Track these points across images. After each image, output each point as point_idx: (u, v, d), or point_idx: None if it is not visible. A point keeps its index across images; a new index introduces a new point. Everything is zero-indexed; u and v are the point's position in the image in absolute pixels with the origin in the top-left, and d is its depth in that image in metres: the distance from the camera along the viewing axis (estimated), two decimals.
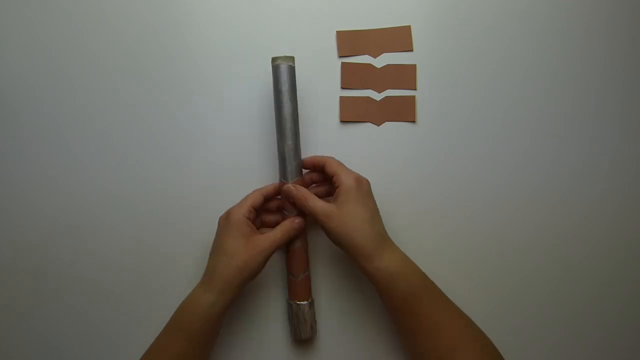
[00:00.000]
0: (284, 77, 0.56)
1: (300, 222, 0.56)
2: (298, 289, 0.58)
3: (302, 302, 0.58)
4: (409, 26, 0.64)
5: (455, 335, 0.51)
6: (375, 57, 0.64)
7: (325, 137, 0.63)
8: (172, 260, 0.62)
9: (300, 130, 0.58)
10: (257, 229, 0.57)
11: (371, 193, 0.55)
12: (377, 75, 0.63)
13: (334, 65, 0.64)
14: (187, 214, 0.62)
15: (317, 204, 0.53)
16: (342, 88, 0.64)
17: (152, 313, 0.60)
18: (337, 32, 0.64)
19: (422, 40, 0.64)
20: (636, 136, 0.64)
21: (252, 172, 0.62)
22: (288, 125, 0.57)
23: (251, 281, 0.54)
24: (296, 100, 0.57)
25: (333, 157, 0.57)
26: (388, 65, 0.63)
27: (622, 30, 0.65)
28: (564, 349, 0.62)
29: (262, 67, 0.63)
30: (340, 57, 0.64)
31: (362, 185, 0.54)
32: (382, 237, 0.53)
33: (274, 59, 0.57)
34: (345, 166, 0.56)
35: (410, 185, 0.63)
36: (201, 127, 0.63)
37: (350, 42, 0.64)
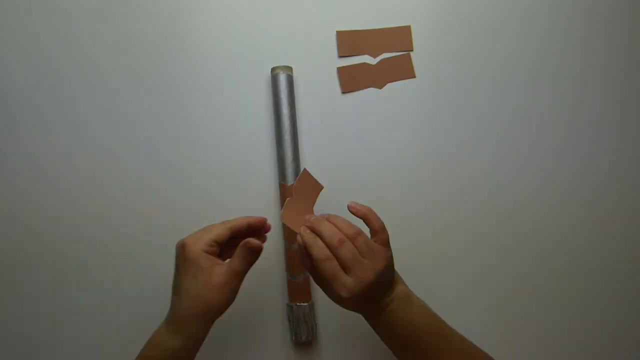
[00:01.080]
0: (282, 85, 0.59)
1: (257, 243, 0.49)
2: (298, 290, 0.58)
3: (302, 304, 0.58)
4: (409, 26, 0.64)
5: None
6: (375, 57, 0.64)
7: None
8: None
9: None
10: (224, 258, 0.52)
11: None
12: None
13: (334, 65, 0.64)
14: (186, 215, 0.62)
15: (340, 276, 0.46)
16: (342, 93, 0.64)
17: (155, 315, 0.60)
18: (337, 32, 0.64)
19: (422, 40, 0.64)
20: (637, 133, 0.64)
21: (253, 172, 0.62)
22: (286, 131, 0.59)
23: (221, 315, 0.50)
24: (294, 107, 0.60)
25: (372, 212, 0.50)
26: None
27: (622, 30, 0.65)
28: (564, 348, 0.62)
29: (263, 67, 0.63)
30: (340, 57, 0.64)
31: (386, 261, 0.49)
32: (390, 288, 0.49)
33: (273, 69, 0.60)
34: (383, 226, 0.50)
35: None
36: (201, 127, 0.63)
37: (350, 42, 0.64)
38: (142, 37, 0.63)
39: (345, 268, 0.46)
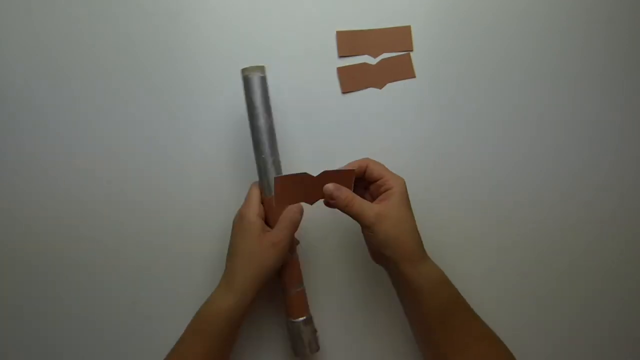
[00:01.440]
0: (255, 88, 0.54)
1: (299, 208, 0.55)
2: (292, 305, 0.56)
3: (296, 320, 0.56)
4: (409, 26, 0.64)
5: (483, 349, 0.51)
6: (375, 57, 0.64)
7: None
8: (176, 260, 0.62)
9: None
10: None
11: None
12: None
13: (334, 65, 0.64)
14: (186, 215, 0.62)
15: (366, 205, 0.51)
16: (342, 93, 0.64)
17: (166, 314, 0.60)
18: (337, 32, 0.64)
19: (422, 40, 0.64)
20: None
21: (253, 173, 0.63)
22: (263, 138, 0.55)
23: (271, 275, 0.54)
24: (270, 111, 0.55)
25: (371, 159, 0.55)
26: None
27: (622, 30, 0.65)
28: (564, 348, 0.62)
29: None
30: (340, 57, 0.64)
31: (407, 191, 0.53)
32: (422, 245, 0.53)
33: (243, 70, 0.54)
34: (386, 167, 0.54)
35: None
36: (201, 127, 0.63)
37: (350, 42, 0.64)
38: (142, 37, 0.63)
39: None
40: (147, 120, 0.63)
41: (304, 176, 0.52)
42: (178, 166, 0.63)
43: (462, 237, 0.63)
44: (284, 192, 0.52)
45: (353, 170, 0.53)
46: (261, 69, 0.55)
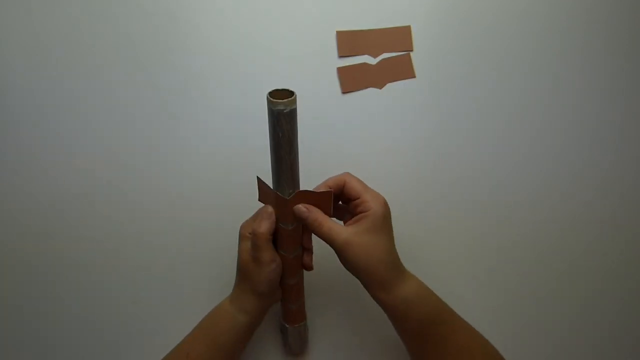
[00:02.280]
0: (283, 123, 0.47)
1: (267, 210, 0.52)
2: (289, 314, 0.57)
3: (293, 326, 0.57)
4: (409, 26, 0.64)
5: (474, 357, 0.50)
6: (375, 57, 0.64)
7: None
8: (176, 260, 0.62)
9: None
10: None
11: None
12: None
13: (334, 65, 0.64)
14: (187, 215, 0.62)
15: (334, 230, 0.49)
16: (342, 93, 0.64)
17: (167, 313, 0.60)
18: (337, 32, 0.64)
19: (422, 40, 0.64)
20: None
21: (253, 173, 0.62)
22: (286, 175, 0.50)
23: (274, 293, 0.54)
24: (297, 147, 0.49)
25: (351, 175, 0.52)
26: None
27: (622, 30, 0.64)
28: (564, 348, 0.62)
29: (264, 67, 0.63)
30: (340, 57, 0.64)
31: (388, 210, 0.50)
32: (398, 265, 0.51)
33: (272, 102, 0.46)
34: (367, 186, 0.52)
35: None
36: (202, 127, 0.63)
37: (350, 42, 0.64)
38: (142, 37, 0.63)
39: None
40: (147, 121, 0.63)
41: (277, 196, 0.50)
42: (178, 166, 0.63)
43: (462, 237, 0.63)
44: (263, 195, 0.52)
45: (330, 191, 0.50)
46: (293, 101, 0.46)
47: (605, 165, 0.64)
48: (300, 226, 0.53)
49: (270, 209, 0.51)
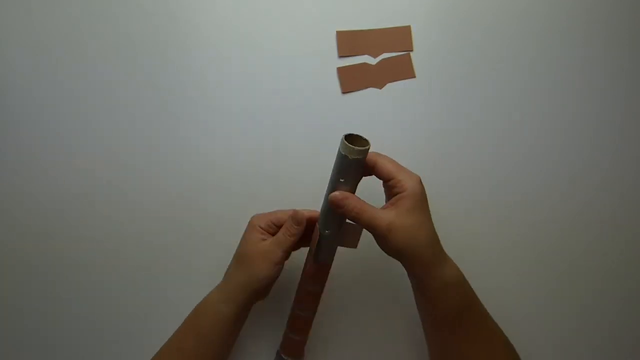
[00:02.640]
0: (350, 171, 0.48)
1: (300, 214, 0.52)
2: (290, 346, 0.56)
3: (288, 358, 0.56)
4: (409, 26, 0.64)
5: (492, 350, 0.50)
6: (375, 57, 0.64)
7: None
8: (179, 261, 0.62)
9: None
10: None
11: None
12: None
13: (334, 65, 0.64)
14: (188, 213, 0.62)
15: (377, 215, 0.48)
16: (342, 93, 0.64)
17: (159, 310, 0.60)
18: (337, 32, 0.64)
19: (422, 40, 0.64)
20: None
21: (253, 173, 0.63)
22: (335, 217, 0.50)
23: (264, 291, 0.53)
24: (355, 191, 0.50)
25: (379, 154, 0.50)
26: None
27: (623, 31, 0.64)
28: (566, 346, 0.62)
29: (264, 67, 0.63)
30: (340, 57, 0.64)
31: (424, 189, 0.49)
32: (440, 246, 0.50)
33: (348, 148, 0.46)
34: (400, 165, 0.50)
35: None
36: (201, 127, 0.63)
37: (350, 42, 0.64)
38: (142, 37, 0.63)
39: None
40: (147, 121, 0.63)
41: (316, 229, 0.51)
42: (178, 166, 0.63)
43: (462, 237, 0.63)
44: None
45: (358, 226, 0.49)
46: (365, 151, 0.47)
47: (605, 165, 0.64)
48: (329, 265, 0.53)
49: (302, 214, 0.52)
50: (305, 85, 0.63)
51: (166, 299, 0.62)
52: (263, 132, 0.63)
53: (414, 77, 0.63)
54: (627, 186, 0.63)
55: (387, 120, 0.64)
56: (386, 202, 0.52)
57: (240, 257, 0.53)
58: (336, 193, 0.49)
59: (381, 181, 0.51)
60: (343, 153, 0.47)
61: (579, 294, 0.62)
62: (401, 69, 0.63)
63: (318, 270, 0.53)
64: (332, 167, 0.52)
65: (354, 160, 0.47)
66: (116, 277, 0.62)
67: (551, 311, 0.62)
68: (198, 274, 0.62)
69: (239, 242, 0.54)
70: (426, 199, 0.50)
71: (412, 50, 0.64)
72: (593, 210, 0.63)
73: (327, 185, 0.51)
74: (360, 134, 0.48)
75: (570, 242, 0.63)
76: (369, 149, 0.47)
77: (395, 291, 0.62)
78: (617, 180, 0.63)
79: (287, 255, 0.53)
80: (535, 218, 0.63)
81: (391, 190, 0.50)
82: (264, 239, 0.53)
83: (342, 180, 0.48)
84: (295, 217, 0.52)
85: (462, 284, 0.50)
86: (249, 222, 0.54)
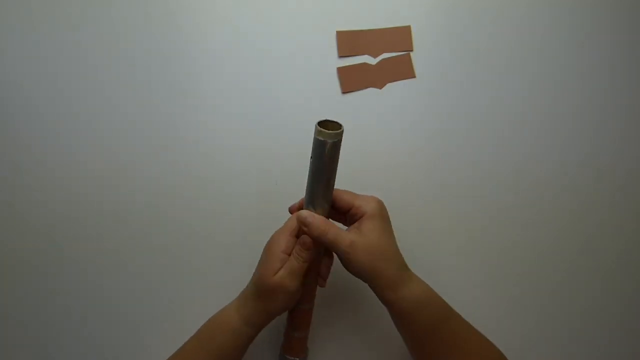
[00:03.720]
0: (327, 152, 0.49)
1: (308, 240, 0.51)
2: (291, 344, 0.56)
3: (290, 357, 0.56)
4: (409, 26, 0.64)
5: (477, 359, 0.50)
6: (375, 57, 0.64)
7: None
8: (181, 261, 0.62)
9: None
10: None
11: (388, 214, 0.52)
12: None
13: (334, 65, 0.64)
14: (189, 213, 0.62)
15: (340, 234, 0.49)
16: (342, 93, 0.64)
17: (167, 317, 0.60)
18: (337, 32, 0.64)
19: (422, 40, 0.64)
20: None
21: (251, 172, 0.63)
22: (320, 195, 0.51)
23: (278, 311, 0.53)
24: (334, 180, 0.51)
25: (340, 189, 0.53)
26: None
27: (625, 30, 0.64)
28: (567, 346, 0.62)
29: (264, 67, 0.63)
30: (340, 57, 0.64)
31: (384, 209, 0.51)
32: (404, 265, 0.51)
33: (320, 132, 0.48)
34: (355, 193, 0.52)
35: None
36: (202, 127, 0.63)
37: (350, 42, 0.64)
38: (142, 37, 0.63)
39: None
40: (147, 120, 0.63)
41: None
42: (178, 166, 0.63)
43: (461, 237, 0.63)
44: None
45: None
46: (340, 133, 0.49)
47: (605, 165, 0.64)
48: (319, 250, 0.53)
49: (309, 239, 0.51)
50: (305, 85, 0.63)
51: (166, 298, 0.62)
52: (263, 132, 0.63)
53: (414, 77, 0.63)
54: (628, 185, 0.63)
55: (387, 120, 0.63)
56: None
57: (259, 287, 0.51)
58: (303, 212, 0.51)
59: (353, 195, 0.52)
60: (319, 138, 0.48)
61: (581, 294, 0.62)
62: (401, 69, 0.63)
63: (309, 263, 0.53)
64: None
65: (331, 144, 0.48)
66: (116, 276, 0.62)
67: (552, 311, 0.62)
68: (197, 273, 0.62)
69: (250, 249, 0.54)
70: (387, 218, 0.51)
71: (412, 50, 0.64)
72: (593, 208, 0.63)
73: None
74: (334, 119, 0.49)
75: (571, 241, 0.63)
76: (342, 131, 0.48)
77: None
78: (618, 180, 0.63)
79: (303, 280, 0.52)
80: (536, 218, 0.63)
81: (353, 218, 0.52)
82: (281, 267, 0.51)
83: (321, 165, 0.49)
84: (303, 243, 0.51)
85: (431, 299, 0.50)
86: (269, 246, 0.52)
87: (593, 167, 0.64)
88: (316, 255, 0.53)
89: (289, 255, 0.51)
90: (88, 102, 0.63)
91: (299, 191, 0.61)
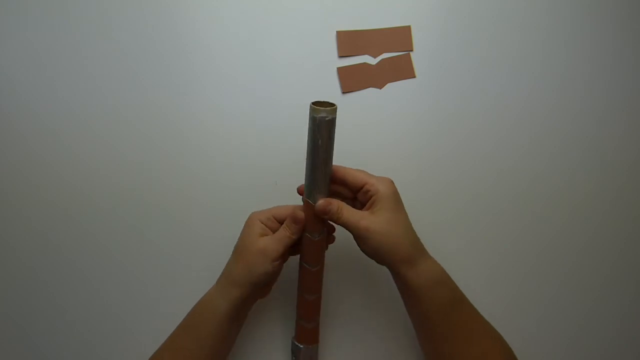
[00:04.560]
0: (323, 131, 0.50)
1: (300, 214, 0.52)
2: (309, 333, 0.56)
3: (310, 346, 0.56)
4: (409, 26, 0.64)
5: (486, 345, 0.51)
6: (375, 57, 0.64)
7: None
8: (181, 261, 0.62)
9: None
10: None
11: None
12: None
13: (334, 65, 0.64)
14: (192, 212, 0.62)
15: (355, 216, 0.50)
16: (342, 93, 0.64)
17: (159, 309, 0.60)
18: (337, 32, 0.63)
19: (422, 40, 0.64)
20: None
21: (249, 172, 0.62)
22: (319, 183, 0.52)
23: (264, 288, 0.54)
24: (332, 157, 0.52)
25: (343, 167, 0.54)
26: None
27: (629, 29, 0.64)
28: (566, 346, 0.61)
29: (264, 67, 0.63)
30: (340, 57, 0.64)
31: (396, 190, 0.52)
32: (420, 243, 0.52)
33: (314, 109, 0.50)
34: (367, 172, 0.53)
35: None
36: (204, 127, 0.63)
37: (350, 42, 0.64)
38: (141, 38, 0.63)
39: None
40: (147, 120, 0.63)
41: (307, 203, 0.52)
42: (178, 167, 0.63)
43: (462, 237, 0.63)
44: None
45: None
46: (332, 110, 0.50)
47: (606, 164, 0.64)
48: (325, 238, 0.54)
49: (301, 214, 0.52)
50: (305, 85, 0.63)
51: (165, 298, 0.61)
52: (263, 132, 0.63)
53: (414, 77, 0.63)
54: (628, 185, 0.63)
55: (387, 120, 0.63)
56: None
57: (239, 251, 0.52)
58: (321, 202, 0.51)
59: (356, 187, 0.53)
60: (316, 116, 0.49)
61: (582, 294, 0.62)
62: (401, 69, 0.63)
63: (314, 247, 0.53)
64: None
65: (327, 121, 0.49)
66: (115, 275, 0.62)
67: (552, 310, 0.62)
68: (197, 272, 0.62)
69: (245, 227, 0.54)
70: (400, 199, 0.52)
71: (412, 50, 0.64)
72: (594, 209, 0.63)
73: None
74: (326, 100, 0.51)
75: (573, 238, 0.63)
76: (336, 108, 0.50)
77: None
78: (618, 179, 0.63)
79: (286, 252, 0.53)
80: (536, 217, 0.63)
81: (365, 195, 0.52)
82: (263, 234, 0.53)
83: (320, 143, 0.50)
84: (294, 216, 0.52)
85: (445, 281, 0.51)
86: (249, 217, 0.54)
87: (595, 166, 0.64)
88: (321, 243, 0.53)
89: (270, 228, 0.53)
90: (88, 102, 0.63)
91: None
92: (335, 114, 0.50)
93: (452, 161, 0.63)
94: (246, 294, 0.52)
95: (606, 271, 0.63)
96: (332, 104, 0.50)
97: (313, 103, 0.50)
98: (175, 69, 0.63)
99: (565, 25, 0.64)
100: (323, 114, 0.49)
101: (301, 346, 0.56)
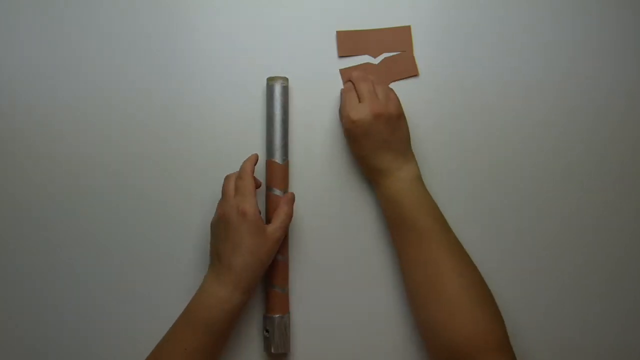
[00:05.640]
0: (278, 97, 0.60)
1: (289, 205, 0.57)
2: (279, 301, 0.57)
3: (283, 315, 0.57)
4: (409, 26, 0.64)
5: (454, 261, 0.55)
6: (375, 57, 0.64)
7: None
8: (181, 260, 0.62)
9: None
10: None
11: None
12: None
13: (334, 66, 0.64)
14: (185, 210, 0.62)
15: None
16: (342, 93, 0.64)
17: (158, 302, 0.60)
18: (337, 32, 0.64)
19: (422, 40, 0.64)
20: None
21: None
22: (278, 142, 0.59)
23: (270, 258, 0.56)
24: (287, 118, 0.60)
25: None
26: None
27: (632, 29, 0.65)
28: (567, 347, 0.61)
29: (264, 67, 0.63)
30: (340, 57, 0.64)
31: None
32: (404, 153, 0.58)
33: (270, 79, 0.60)
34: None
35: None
36: (204, 127, 0.63)
37: (350, 42, 0.64)
38: (141, 39, 0.63)
39: (360, 98, 0.59)
40: (146, 120, 0.63)
41: (270, 162, 0.60)
42: (178, 167, 0.62)
43: (462, 237, 0.62)
44: None
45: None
46: (285, 79, 0.61)
47: (607, 164, 0.64)
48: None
49: (292, 195, 0.58)
50: (305, 85, 0.63)
51: (166, 298, 0.61)
52: (264, 132, 0.63)
53: (417, 74, 0.63)
54: (629, 185, 0.63)
55: None
56: None
57: (253, 250, 0.53)
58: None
59: None
60: (270, 83, 0.60)
61: (583, 294, 0.62)
62: (404, 68, 0.63)
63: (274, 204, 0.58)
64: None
65: (282, 87, 0.60)
66: (114, 274, 0.61)
67: (552, 310, 0.62)
68: (196, 272, 0.61)
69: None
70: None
71: (412, 51, 0.64)
72: (594, 208, 0.63)
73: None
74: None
75: (572, 241, 0.63)
76: (287, 79, 0.61)
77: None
78: (619, 179, 0.63)
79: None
80: (536, 216, 0.63)
81: None
82: (264, 225, 0.54)
83: (276, 109, 0.60)
84: (289, 199, 0.57)
85: (414, 187, 0.57)
86: (248, 215, 0.53)
87: (595, 166, 0.63)
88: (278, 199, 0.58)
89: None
90: (87, 102, 0.62)
91: (301, 189, 0.61)
92: (287, 84, 0.60)
93: (454, 161, 0.63)
94: (256, 281, 0.54)
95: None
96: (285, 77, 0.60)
97: (268, 78, 0.60)
98: (174, 69, 0.63)
99: (568, 23, 0.64)
100: (276, 82, 0.60)
101: (274, 316, 0.57)
